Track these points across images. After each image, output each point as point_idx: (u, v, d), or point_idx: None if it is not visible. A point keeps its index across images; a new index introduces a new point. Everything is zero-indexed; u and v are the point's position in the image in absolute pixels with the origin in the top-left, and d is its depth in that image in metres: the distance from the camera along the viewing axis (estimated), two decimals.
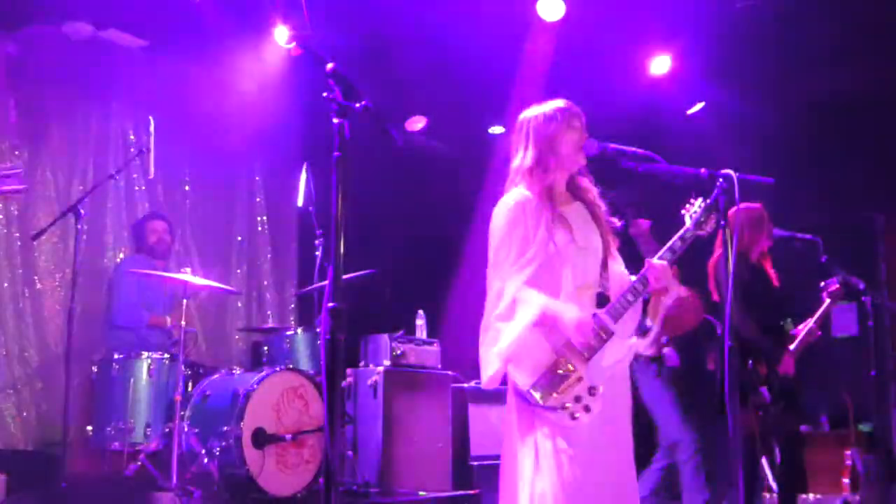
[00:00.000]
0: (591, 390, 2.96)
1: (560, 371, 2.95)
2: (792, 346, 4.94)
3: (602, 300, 3.09)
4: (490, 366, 2.99)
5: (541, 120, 3.19)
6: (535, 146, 3.16)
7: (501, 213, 3.12)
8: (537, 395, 2.91)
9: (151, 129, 5.26)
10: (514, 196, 3.13)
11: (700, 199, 3.28)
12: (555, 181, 3.16)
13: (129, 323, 5.60)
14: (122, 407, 4.95)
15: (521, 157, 3.18)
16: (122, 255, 6.48)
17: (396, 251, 7.45)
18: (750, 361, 4.74)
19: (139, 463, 4.81)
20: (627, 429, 3.12)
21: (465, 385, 6.61)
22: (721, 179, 3.00)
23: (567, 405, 2.91)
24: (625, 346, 3.07)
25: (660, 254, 3.18)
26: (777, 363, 4.84)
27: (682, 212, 3.30)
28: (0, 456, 5.54)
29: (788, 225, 5.12)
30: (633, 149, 3.13)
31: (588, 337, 2.97)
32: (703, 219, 3.23)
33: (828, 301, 5.11)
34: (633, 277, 3.15)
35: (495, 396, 6.16)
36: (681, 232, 3.21)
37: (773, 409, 4.75)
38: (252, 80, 7.14)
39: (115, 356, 5.12)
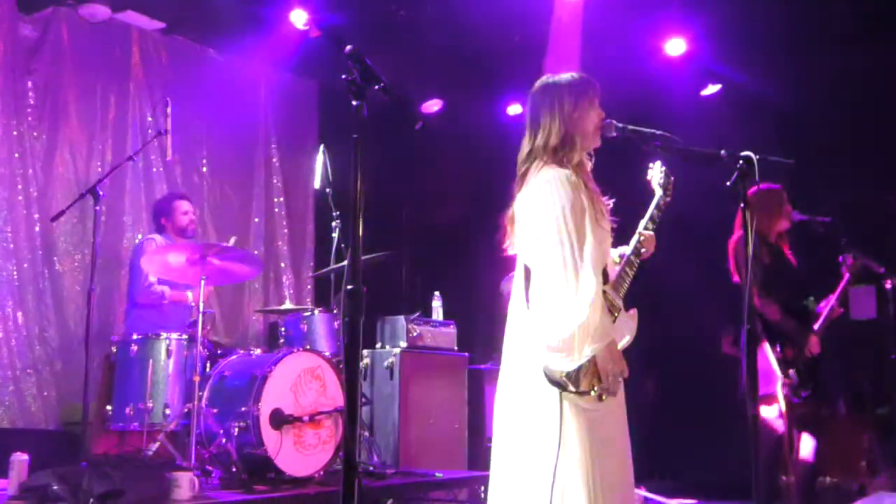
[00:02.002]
0: None
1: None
2: (816, 326, 4.92)
3: None
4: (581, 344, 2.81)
5: (568, 94, 3.08)
6: (563, 123, 3.04)
7: (553, 187, 2.93)
8: (572, 379, 2.84)
9: (168, 110, 5.26)
10: (560, 172, 2.97)
11: (658, 163, 3.34)
12: (581, 160, 3.09)
13: (149, 300, 5.62)
14: (141, 387, 4.98)
15: (547, 134, 3.05)
16: (140, 236, 6.51)
17: (413, 233, 7.46)
18: (778, 346, 4.74)
19: (158, 443, 4.84)
20: (625, 413, 3.09)
21: (482, 366, 6.63)
22: (741, 161, 2.97)
23: (595, 388, 2.87)
24: (632, 321, 3.08)
25: (643, 224, 3.25)
26: (804, 344, 4.82)
27: (648, 176, 3.36)
28: (21, 435, 5.60)
29: (807, 207, 5.09)
30: (652, 130, 3.11)
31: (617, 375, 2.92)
32: (668, 184, 3.32)
33: (847, 276, 5.07)
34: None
35: None
36: (655, 201, 3.33)
37: (801, 391, 4.74)
38: (269, 62, 7.14)
39: (134, 336, 5.14)
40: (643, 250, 3.22)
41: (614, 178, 3.29)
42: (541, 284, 2.91)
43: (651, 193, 3.39)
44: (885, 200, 6.28)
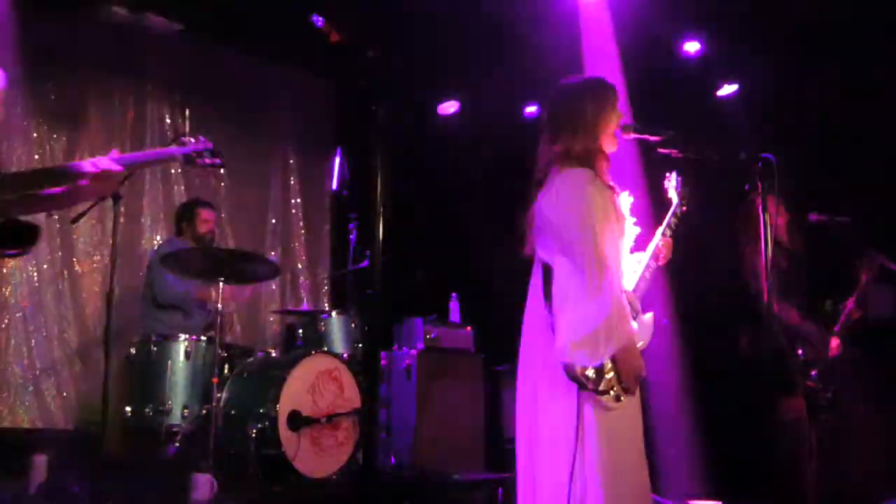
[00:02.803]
0: None
1: None
2: (836, 328, 4.89)
3: None
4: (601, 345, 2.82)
5: (591, 99, 3.08)
6: (587, 131, 3.03)
7: (576, 187, 2.93)
8: (593, 378, 2.85)
9: (187, 113, 5.30)
10: (583, 172, 2.96)
11: (674, 174, 3.40)
12: (602, 163, 3.07)
13: (175, 300, 5.62)
14: (159, 388, 5.01)
15: (570, 142, 3.03)
16: (158, 238, 6.54)
17: (430, 234, 7.45)
18: (799, 349, 4.71)
19: (177, 444, 4.86)
20: (641, 413, 3.11)
21: (499, 367, 6.62)
22: (760, 163, 2.96)
23: (614, 387, 2.88)
24: (650, 324, 3.09)
25: (661, 231, 3.30)
26: (824, 347, 4.80)
27: (665, 185, 3.42)
28: (41, 435, 5.64)
29: (824, 207, 5.05)
30: (670, 132, 3.11)
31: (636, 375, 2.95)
32: (685, 193, 3.37)
33: (864, 279, 5.04)
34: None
35: None
36: (672, 209, 3.39)
37: (825, 392, 4.71)
38: (287, 62, 7.15)
39: (153, 338, 5.17)
40: (661, 256, 3.27)
41: (630, 181, 3.31)
42: (563, 283, 2.90)
43: (667, 200, 3.44)
44: None
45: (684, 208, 3.42)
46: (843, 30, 6.04)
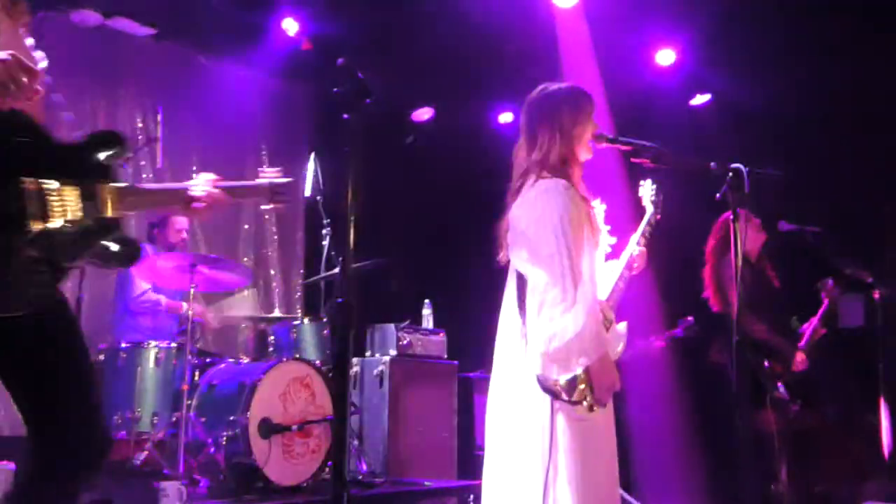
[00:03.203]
0: None
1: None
2: (801, 344, 4.96)
3: None
4: (573, 359, 2.83)
5: (568, 108, 3.06)
6: (563, 139, 3.02)
7: (550, 197, 2.93)
8: (566, 389, 2.86)
9: (159, 118, 5.26)
10: (557, 182, 2.96)
11: (649, 181, 3.40)
12: (577, 172, 3.08)
13: (143, 308, 5.58)
14: (129, 396, 4.96)
15: (546, 150, 3.02)
16: None
17: (403, 241, 7.44)
18: (766, 361, 4.76)
19: (146, 451, 4.82)
20: (613, 423, 3.11)
21: (471, 374, 6.62)
22: (730, 173, 2.98)
23: (587, 398, 2.88)
24: (623, 334, 3.10)
25: (635, 240, 3.29)
26: (790, 361, 4.85)
27: (640, 193, 3.42)
28: (8, 443, 5.56)
29: (796, 217, 5.11)
30: (643, 142, 3.12)
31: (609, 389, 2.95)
32: (658, 201, 3.39)
33: (826, 302, 5.15)
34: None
35: None
36: (646, 217, 3.40)
37: (791, 405, 4.76)
38: (261, 68, 7.12)
39: (123, 345, 5.13)
40: (635, 265, 3.27)
41: (605, 189, 3.31)
42: (537, 295, 2.90)
43: (642, 209, 3.44)
44: (874, 209, 6.31)
45: (658, 217, 3.42)
46: (814, 41, 6.12)
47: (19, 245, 2.12)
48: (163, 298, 5.60)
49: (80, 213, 2.25)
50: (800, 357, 4.89)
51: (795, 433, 4.93)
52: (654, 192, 3.46)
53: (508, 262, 3.11)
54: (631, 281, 3.24)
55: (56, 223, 2.20)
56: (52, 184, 2.22)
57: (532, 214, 2.96)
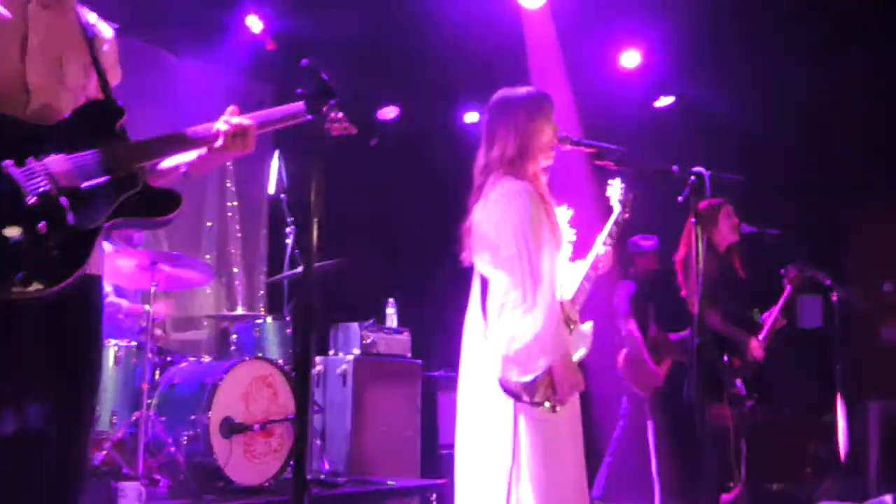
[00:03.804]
0: None
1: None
2: (760, 336, 5.01)
3: None
4: (533, 357, 2.85)
5: (525, 108, 3.11)
6: (519, 135, 3.06)
7: (510, 198, 2.96)
8: (527, 390, 2.86)
9: None
10: (517, 183, 2.99)
11: (618, 180, 3.41)
12: (536, 173, 3.11)
13: (113, 313, 5.48)
14: None
15: (504, 146, 3.06)
16: None
17: (367, 240, 7.42)
18: (725, 356, 4.80)
19: (104, 451, 4.75)
20: (580, 424, 3.13)
21: (435, 373, 6.63)
22: (693, 176, 3.01)
23: (549, 399, 2.90)
24: (588, 334, 3.11)
25: (602, 240, 3.29)
26: (746, 351, 4.90)
27: (608, 193, 3.43)
28: None
29: (757, 220, 5.17)
30: (606, 145, 3.14)
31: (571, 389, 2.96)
32: (627, 201, 3.39)
33: (789, 289, 5.18)
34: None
35: None
36: (613, 217, 3.39)
37: (748, 401, 4.81)
38: (225, 65, 7.06)
39: None
40: (601, 265, 3.26)
41: (573, 191, 3.33)
42: (498, 296, 2.92)
43: (610, 209, 3.44)
44: (834, 214, 6.41)
45: (626, 216, 3.42)
46: (777, 46, 6.20)
47: None
48: (124, 303, 5.50)
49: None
50: (754, 344, 4.93)
51: (751, 430, 4.99)
52: (622, 192, 3.44)
53: (472, 263, 3.12)
54: (597, 281, 3.25)
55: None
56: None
57: (493, 217, 2.99)
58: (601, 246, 3.27)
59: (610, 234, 3.33)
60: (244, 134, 2.44)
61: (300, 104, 2.35)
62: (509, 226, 2.93)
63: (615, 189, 3.46)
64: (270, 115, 2.59)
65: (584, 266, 3.23)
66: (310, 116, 2.26)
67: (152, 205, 2.34)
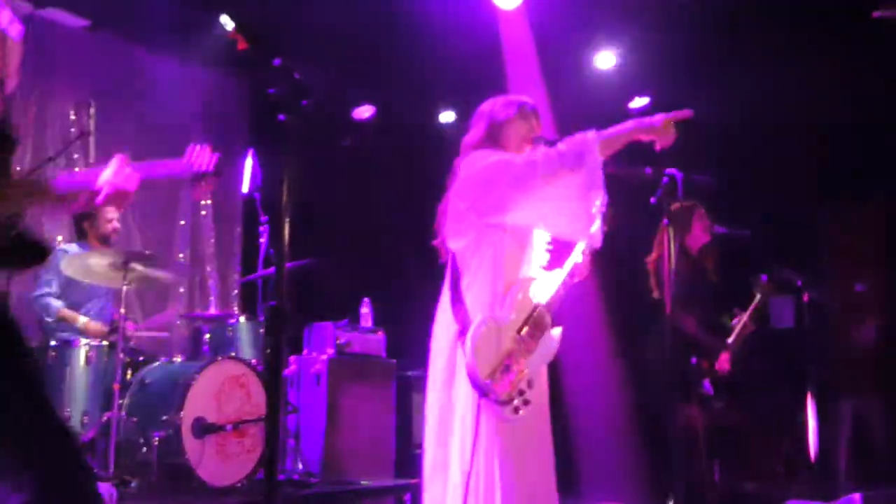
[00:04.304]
0: (530, 383, 2.99)
1: (511, 364, 2.96)
2: (729, 340, 5.05)
3: None
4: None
5: (497, 104, 3.30)
6: (491, 121, 3.25)
7: (474, 163, 3.13)
8: (494, 387, 2.89)
9: (92, 111, 5.14)
10: (484, 151, 3.17)
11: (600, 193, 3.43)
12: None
13: (40, 313, 5.42)
14: (58, 396, 4.83)
15: (477, 130, 3.27)
16: (60, 237, 6.33)
17: (342, 239, 7.41)
18: (693, 358, 4.83)
19: None
20: (549, 423, 3.15)
21: (410, 373, 6.62)
22: (665, 178, 3.03)
23: (514, 399, 2.92)
24: (557, 339, 3.13)
25: (581, 248, 3.30)
26: (715, 358, 4.93)
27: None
28: None
29: (729, 221, 5.20)
30: None
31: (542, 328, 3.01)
32: (610, 213, 3.40)
33: (758, 296, 5.23)
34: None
35: None
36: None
37: (715, 402, 4.84)
38: (198, 61, 7.02)
39: (52, 343, 5.00)
40: (578, 273, 3.28)
41: None
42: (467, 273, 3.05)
43: None
44: (807, 214, 6.46)
45: (604, 228, 3.44)
46: (751, 48, 6.24)
47: None
48: (55, 303, 5.42)
49: None
50: (724, 357, 4.98)
51: (721, 430, 5.02)
52: (603, 203, 3.46)
53: (447, 260, 3.16)
54: (572, 288, 3.26)
55: None
56: None
57: (465, 182, 3.13)
58: (579, 254, 3.29)
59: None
60: (123, 197, 2.39)
61: (185, 164, 2.41)
62: (476, 182, 3.08)
63: (598, 202, 3.47)
64: (156, 171, 2.58)
65: (560, 274, 3.25)
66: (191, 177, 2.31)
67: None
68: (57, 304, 5.39)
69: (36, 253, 2.28)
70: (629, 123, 2.97)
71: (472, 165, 3.13)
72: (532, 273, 3.17)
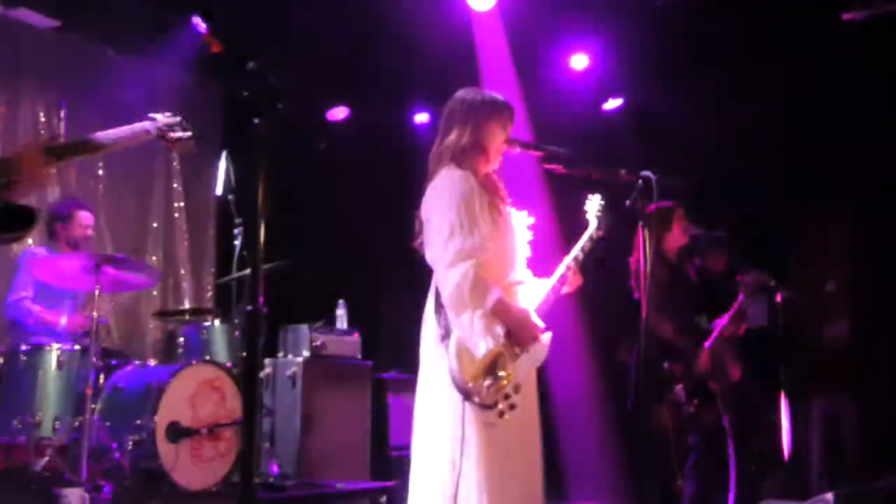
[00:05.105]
0: (517, 388, 2.98)
1: (497, 368, 2.94)
2: (707, 343, 5.04)
3: None
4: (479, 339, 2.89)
5: (487, 105, 3.19)
6: (476, 129, 3.13)
7: (448, 185, 3.03)
8: (477, 391, 2.88)
9: (62, 113, 5.09)
10: (458, 172, 3.05)
11: (598, 197, 3.42)
12: (479, 170, 3.15)
13: (18, 317, 5.36)
14: (29, 400, 4.78)
15: (458, 136, 3.13)
16: (31, 242, 6.25)
17: (317, 241, 7.38)
18: (665, 362, 4.83)
19: (47, 457, 4.66)
20: (538, 427, 3.15)
21: (385, 375, 6.60)
22: (640, 180, 3.05)
23: (499, 403, 2.91)
24: (544, 346, 3.12)
25: (573, 255, 3.28)
26: (692, 361, 4.93)
27: (585, 209, 3.43)
28: None
29: (704, 222, 5.23)
30: (555, 148, 3.16)
31: (530, 333, 3.00)
32: (603, 218, 3.40)
33: (742, 296, 5.22)
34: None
35: (414, 386, 6.16)
36: (588, 232, 3.40)
37: (687, 406, 4.85)
38: (170, 63, 6.96)
39: (23, 347, 4.94)
40: (568, 282, 3.26)
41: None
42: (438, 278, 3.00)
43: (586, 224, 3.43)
44: (786, 217, 6.51)
45: (601, 233, 3.40)
46: (726, 50, 6.28)
47: None
48: (35, 308, 5.35)
49: None
50: (703, 357, 4.97)
51: (697, 435, 5.02)
52: (600, 209, 3.43)
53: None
54: (561, 296, 3.25)
55: None
56: None
57: (432, 202, 3.07)
58: (571, 261, 3.28)
59: (582, 249, 3.35)
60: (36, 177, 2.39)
61: (147, 123, 2.42)
62: (444, 210, 2.99)
63: (594, 204, 3.45)
64: (114, 136, 2.57)
65: (549, 282, 3.24)
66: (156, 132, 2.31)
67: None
68: (35, 308, 5.33)
69: (24, 219, 2.27)
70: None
71: (432, 200, 3.07)
72: (518, 277, 3.16)
